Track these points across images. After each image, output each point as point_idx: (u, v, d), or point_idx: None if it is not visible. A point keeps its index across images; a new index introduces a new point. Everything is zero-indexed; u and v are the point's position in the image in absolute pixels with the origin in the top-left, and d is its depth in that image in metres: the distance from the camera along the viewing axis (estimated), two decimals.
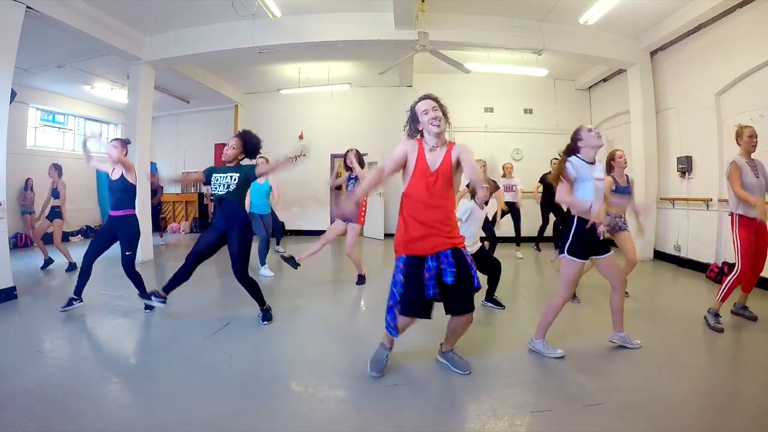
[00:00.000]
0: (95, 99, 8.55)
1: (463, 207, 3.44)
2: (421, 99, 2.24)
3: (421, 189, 2.16)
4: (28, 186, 7.00)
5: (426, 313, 2.13)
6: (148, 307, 3.39)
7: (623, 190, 3.57)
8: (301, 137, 8.92)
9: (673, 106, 5.71)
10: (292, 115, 8.89)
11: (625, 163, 3.61)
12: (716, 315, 3.04)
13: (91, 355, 2.70)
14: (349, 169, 4.32)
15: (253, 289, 3.15)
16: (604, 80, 7.64)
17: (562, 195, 2.48)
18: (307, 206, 9.01)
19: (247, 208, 4.24)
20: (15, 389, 2.10)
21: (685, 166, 5.40)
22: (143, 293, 3.35)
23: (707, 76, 5.04)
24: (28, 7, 3.96)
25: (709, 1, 4.51)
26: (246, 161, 3.26)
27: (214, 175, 3.10)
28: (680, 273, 5.15)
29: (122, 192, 3.41)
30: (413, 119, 2.25)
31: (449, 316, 2.22)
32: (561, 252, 2.55)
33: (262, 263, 4.98)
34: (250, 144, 3.15)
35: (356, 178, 4.27)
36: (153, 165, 8.66)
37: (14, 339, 2.86)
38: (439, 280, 2.09)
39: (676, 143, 5.65)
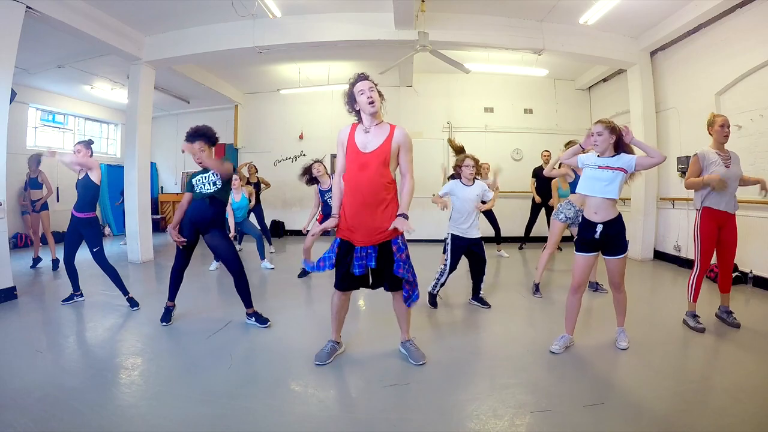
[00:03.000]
0: (95, 99, 8.54)
1: (446, 185, 3.48)
2: (358, 79, 2.24)
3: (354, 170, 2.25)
4: (28, 186, 7.00)
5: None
6: (133, 305, 3.54)
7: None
8: (301, 137, 8.92)
9: (673, 106, 5.71)
10: (292, 115, 8.89)
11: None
12: (694, 316, 2.98)
13: (91, 355, 2.70)
14: (314, 181, 4.50)
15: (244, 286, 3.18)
16: (604, 80, 7.64)
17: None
18: (308, 206, 9.00)
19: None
20: (15, 389, 2.10)
21: (685, 166, 5.39)
22: (124, 291, 3.57)
23: (707, 76, 5.03)
24: (28, 7, 3.96)
25: (709, 1, 4.50)
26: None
27: (195, 178, 3.11)
28: (680, 273, 5.14)
29: (84, 189, 3.51)
30: (351, 99, 2.27)
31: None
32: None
33: (262, 257, 5.47)
34: (210, 135, 3.08)
35: (329, 191, 4.33)
36: (153, 165, 8.67)
37: (14, 339, 2.86)
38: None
39: (676, 143, 5.64)
